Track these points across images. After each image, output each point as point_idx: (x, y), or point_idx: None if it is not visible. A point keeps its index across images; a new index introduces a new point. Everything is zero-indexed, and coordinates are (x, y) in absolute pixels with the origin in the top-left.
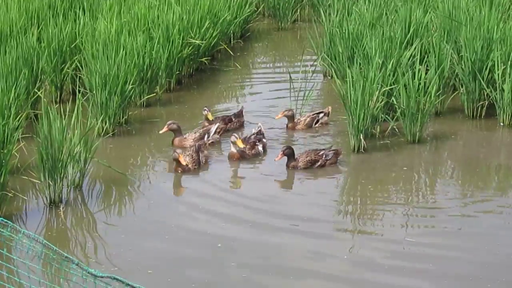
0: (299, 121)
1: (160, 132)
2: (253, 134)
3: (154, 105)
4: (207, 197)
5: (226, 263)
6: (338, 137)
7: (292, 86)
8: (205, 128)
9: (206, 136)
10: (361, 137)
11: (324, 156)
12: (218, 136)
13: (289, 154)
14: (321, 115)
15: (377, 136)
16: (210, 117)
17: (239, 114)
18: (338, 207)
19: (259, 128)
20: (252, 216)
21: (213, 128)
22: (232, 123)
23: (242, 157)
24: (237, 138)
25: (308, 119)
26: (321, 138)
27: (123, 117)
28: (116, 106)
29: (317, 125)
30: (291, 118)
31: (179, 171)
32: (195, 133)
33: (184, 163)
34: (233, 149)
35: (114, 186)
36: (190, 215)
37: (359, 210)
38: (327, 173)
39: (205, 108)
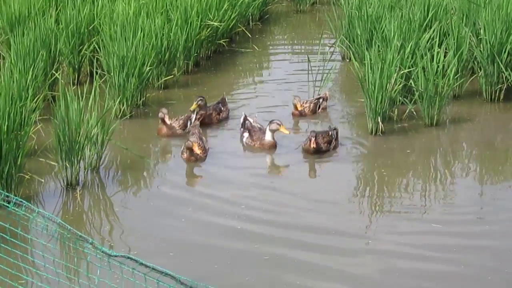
0: (303, 107)
1: (191, 109)
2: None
3: (172, 87)
4: (225, 182)
5: (248, 246)
6: (356, 120)
7: (310, 68)
8: (186, 115)
9: (188, 123)
10: (379, 120)
11: (332, 135)
12: (198, 123)
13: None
14: (320, 100)
15: (394, 119)
16: (194, 106)
17: (224, 103)
18: (355, 191)
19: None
20: (273, 199)
21: (194, 115)
22: (222, 112)
23: (276, 146)
24: (280, 124)
25: (312, 105)
26: (338, 121)
27: (140, 99)
28: (133, 88)
29: (319, 110)
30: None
31: (193, 160)
32: (177, 120)
33: (199, 151)
34: (269, 138)
35: (131, 169)
36: (209, 198)
37: (376, 194)
38: (343, 156)
39: (196, 98)
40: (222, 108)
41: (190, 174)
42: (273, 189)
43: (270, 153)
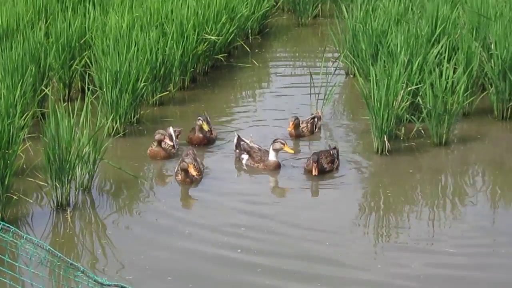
0: (302, 129)
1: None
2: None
3: (167, 103)
4: (223, 207)
5: (249, 268)
6: (361, 139)
7: (312, 85)
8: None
9: (175, 142)
10: (385, 139)
11: (333, 154)
12: (177, 141)
13: (319, 161)
14: (315, 119)
15: (401, 138)
16: (206, 127)
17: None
18: (361, 214)
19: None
20: (272, 226)
21: (171, 130)
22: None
23: (280, 166)
24: (284, 143)
25: (309, 125)
26: (342, 140)
27: (134, 116)
28: (127, 104)
29: (316, 130)
30: (297, 126)
31: (188, 182)
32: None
33: (194, 173)
34: (273, 158)
35: (124, 189)
36: (206, 221)
37: (383, 217)
38: (348, 176)
39: (199, 117)
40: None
41: (186, 196)
42: (273, 216)
43: (273, 175)
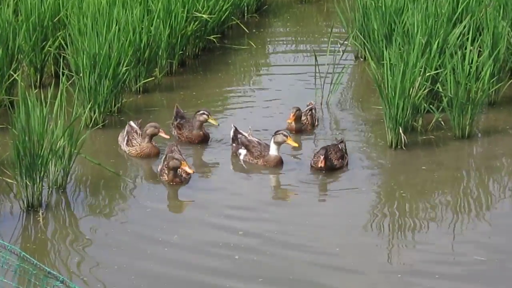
0: (303, 121)
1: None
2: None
3: (153, 91)
4: (215, 206)
5: (245, 280)
6: (372, 131)
7: (317, 70)
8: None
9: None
10: (400, 131)
11: (342, 149)
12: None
13: (328, 156)
14: (313, 111)
15: (419, 130)
16: (215, 122)
17: (182, 115)
18: (369, 222)
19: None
20: (272, 231)
21: (133, 124)
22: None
23: (282, 162)
24: (287, 136)
25: (309, 117)
26: (351, 133)
27: (115, 105)
28: (107, 92)
29: (316, 123)
30: (298, 118)
31: (177, 182)
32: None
33: (191, 171)
34: (274, 152)
35: (104, 188)
36: (196, 226)
37: (399, 220)
38: (359, 174)
39: (204, 112)
40: (181, 121)
41: (174, 198)
42: (273, 219)
43: (274, 172)
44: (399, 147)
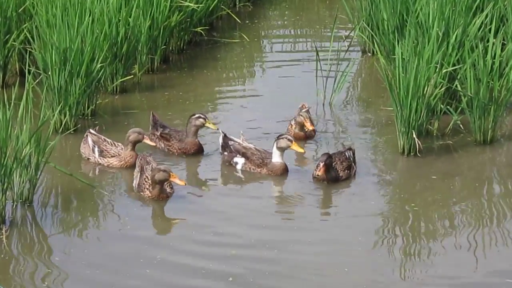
0: (306, 128)
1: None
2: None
3: (132, 90)
4: (204, 224)
5: None
6: (382, 136)
7: (319, 67)
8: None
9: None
10: (414, 136)
11: (350, 157)
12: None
13: (330, 164)
14: (310, 112)
15: (434, 135)
16: (214, 127)
17: (161, 123)
18: (376, 244)
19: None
20: (267, 251)
21: (92, 133)
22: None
23: (288, 170)
24: (291, 140)
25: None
26: (358, 138)
27: (88, 107)
28: (79, 92)
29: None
30: (301, 125)
31: (163, 198)
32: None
33: (183, 183)
34: (279, 159)
35: (76, 202)
36: (181, 245)
37: (411, 238)
38: (367, 185)
39: (200, 115)
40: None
41: (157, 212)
42: (270, 240)
43: (276, 182)
44: (412, 154)
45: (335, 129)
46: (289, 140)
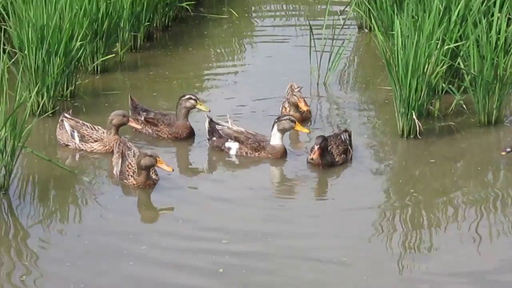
0: (301, 109)
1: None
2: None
3: (114, 70)
4: (193, 213)
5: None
6: (380, 117)
7: (313, 44)
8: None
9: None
10: (414, 117)
11: (345, 140)
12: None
13: (326, 147)
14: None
15: (436, 116)
16: (205, 109)
17: (142, 107)
18: (381, 222)
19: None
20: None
21: (66, 116)
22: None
23: (287, 153)
24: (294, 121)
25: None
26: (355, 120)
27: (67, 88)
28: (57, 72)
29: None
30: (296, 106)
31: (150, 185)
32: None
33: (170, 169)
34: (278, 141)
35: (55, 190)
36: (168, 235)
37: (413, 229)
38: (365, 169)
39: (191, 96)
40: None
41: (142, 200)
42: (260, 232)
43: (277, 165)
44: (412, 136)
45: (330, 110)
46: (291, 121)
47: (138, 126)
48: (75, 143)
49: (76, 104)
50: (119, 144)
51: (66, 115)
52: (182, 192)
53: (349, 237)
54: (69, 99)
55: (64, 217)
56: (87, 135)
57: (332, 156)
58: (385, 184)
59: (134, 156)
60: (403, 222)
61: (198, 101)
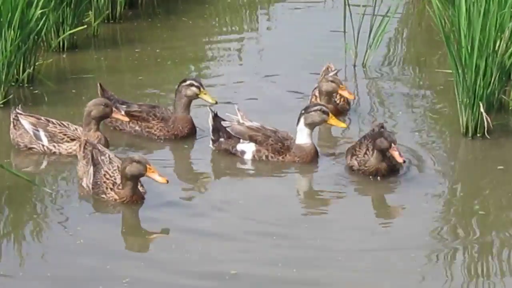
0: (338, 99)
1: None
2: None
3: (85, 47)
4: (187, 233)
5: None
6: (437, 111)
7: (348, 13)
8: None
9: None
10: (481, 109)
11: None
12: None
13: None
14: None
15: (510, 108)
16: (211, 100)
17: (115, 98)
18: (438, 243)
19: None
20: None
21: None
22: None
23: (317, 154)
24: (327, 112)
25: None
26: (404, 113)
27: (24, 71)
28: (11, 49)
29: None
30: (330, 93)
31: (136, 201)
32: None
33: (164, 180)
34: (308, 140)
35: (10, 205)
36: (155, 261)
37: (478, 253)
38: (417, 179)
39: (193, 82)
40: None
41: (127, 217)
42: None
43: (303, 174)
44: (479, 134)
45: (371, 99)
46: (323, 112)
47: (125, 118)
48: (42, 145)
49: (36, 91)
50: (85, 146)
51: (19, 110)
52: (178, 211)
53: (399, 258)
54: (26, 84)
55: (21, 239)
56: (60, 133)
57: (389, 160)
58: (443, 197)
59: (110, 162)
60: (465, 244)
61: (201, 89)
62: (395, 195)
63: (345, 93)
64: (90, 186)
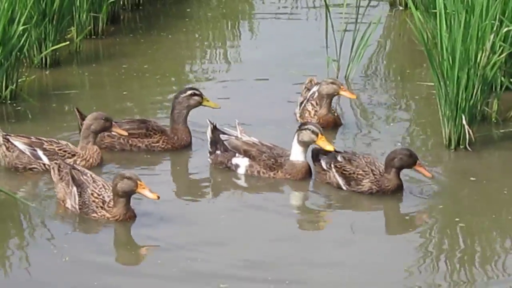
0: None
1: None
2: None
3: (68, 63)
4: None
5: None
6: (420, 123)
7: (330, 26)
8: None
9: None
10: (463, 122)
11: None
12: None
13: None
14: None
15: (493, 120)
16: (215, 105)
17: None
18: (422, 262)
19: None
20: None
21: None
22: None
23: (311, 171)
24: (317, 133)
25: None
26: (386, 127)
27: (7, 87)
28: None
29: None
30: (329, 103)
31: (129, 219)
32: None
33: (155, 196)
34: (301, 157)
35: None
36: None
37: (459, 267)
38: (398, 194)
39: (195, 91)
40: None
41: (120, 235)
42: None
43: (295, 190)
44: (461, 146)
45: (354, 113)
46: (313, 132)
47: (125, 133)
48: (43, 164)
49: (19, 108)
50: (60, 167)
51: (3, 133)
52: (170, 229)
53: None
54: (9, 101)
55: (4, 258)
56: (59, 150)
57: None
58: (425, 210)
59: (94, 181)
60: (447, 259)
61: (203, 96)
62: (369, 206)
63: (347, 94)
64: (77, 207)
